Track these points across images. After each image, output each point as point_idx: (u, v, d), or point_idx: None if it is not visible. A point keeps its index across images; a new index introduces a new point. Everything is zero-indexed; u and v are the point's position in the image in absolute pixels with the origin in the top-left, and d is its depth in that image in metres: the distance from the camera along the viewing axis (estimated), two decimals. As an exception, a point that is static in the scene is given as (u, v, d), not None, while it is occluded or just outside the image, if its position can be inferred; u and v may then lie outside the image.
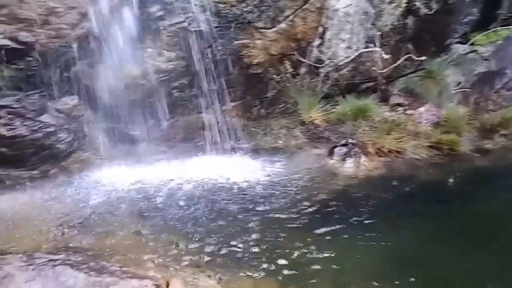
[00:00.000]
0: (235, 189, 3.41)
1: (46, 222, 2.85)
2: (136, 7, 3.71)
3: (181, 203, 3.18)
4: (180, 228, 2.79)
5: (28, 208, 3.05)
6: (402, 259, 2.49)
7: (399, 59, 4.72)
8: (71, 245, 2.51)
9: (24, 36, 3.35)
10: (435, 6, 4.78)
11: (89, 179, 3.52)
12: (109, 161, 3.76)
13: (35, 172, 3.50)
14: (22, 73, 3.41)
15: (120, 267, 2.14)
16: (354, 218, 2.93)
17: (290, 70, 4.42)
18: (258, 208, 3.09)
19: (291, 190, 3.37)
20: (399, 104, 4.79)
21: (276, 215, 2.97)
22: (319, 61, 4.50)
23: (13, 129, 3.32)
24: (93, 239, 2.62)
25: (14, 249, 2.24)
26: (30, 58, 3.42)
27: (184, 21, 3.91)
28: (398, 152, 4.05)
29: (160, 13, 3.85)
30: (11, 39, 3.32)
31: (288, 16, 4.26)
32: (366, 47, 4.62)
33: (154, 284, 2.01)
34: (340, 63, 4.53)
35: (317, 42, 4.47)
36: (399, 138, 4.14)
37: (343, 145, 4.01)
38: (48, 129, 3.47)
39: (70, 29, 3.52)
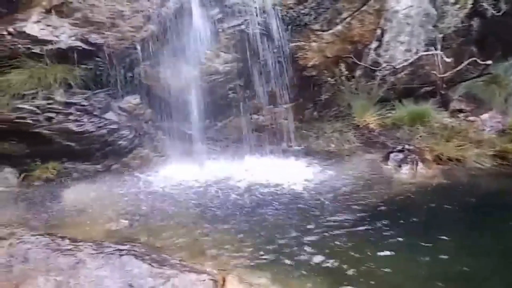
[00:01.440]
0: (287, 192, 3.40)
1: (109, 214, 3.01)
2: (196, 10, 3.84)
3: (235, 202, 3.24)
4: (235, 226, 2.84)
5: (93, 200, 3.23)
6: (459, 274, 2.36)
7: (462, 62, 4.51)
8: (134, 236, 2.64)
9: (94, 38, 3.58)
10: (504, 7, 4.52)
11: (148, 175, 3.68)
12: (166, 158, 3.91)
13: (99, 166, 3.72)
14: (91, 72, 3.63)
15: (180, 260, 2.21)
16: (410, 228, 2.82)
17: (345, 72, 4.36)
18: (310, 212, 3.06)
19: (344, 195, 3.31)
20: (460, 110, 4.58)
21: (330, 220, 2.92)
22: (376, 64, 4.41)
23: (81, 125, 3.55)
24: (153, 232, 2.73)
25: (83, 237, 2.38)
26: (99, 59, 3.64)
27: (242, 24, 3.99)
28: (458, 160, 3.87)
29: (220, 15, 3.96)
30: (82, 41, 3.56)
31: (345, 18, 4.21)
32: (426, 50, 4.46)
33: (211, 279, 2.06)
34: (397, 66, 4.41)
35: (374, 44, 4.39)
36: (460, 146, 3.96)
37: (399, 151, 3.89)
38: (112, 126, 3.68)
39: (135, 31, 3.70)
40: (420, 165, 3.78)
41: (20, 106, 3.38)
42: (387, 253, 2.48)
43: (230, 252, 2.49)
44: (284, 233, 2.72)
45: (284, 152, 4.22)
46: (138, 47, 3.73)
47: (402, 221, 2.90)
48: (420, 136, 4.19)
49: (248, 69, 4.12)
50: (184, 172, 3.73)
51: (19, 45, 3.42)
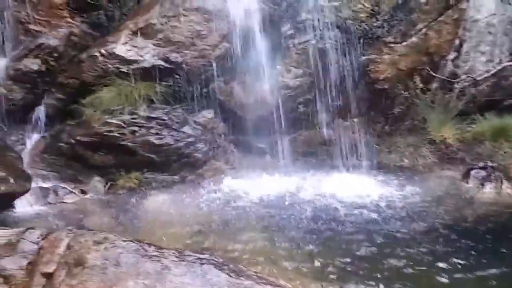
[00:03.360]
0: (357, 207, 3.33)
1: (186, 223, 3.17)
2: (269, 28, 3.96)
3: (305, 216, 3.23)
4: (307, 240, 2.84)
5: (171, 209, 3.43)
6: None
7: (552, 72, 4.14)
8: (209, 245, 2.76)
9: (174, 56, 3.84)
10: None
11: (221, 186, 3.81)
12: (238, 170, 4.03)
13: (175, 177, 3.93)
14: (170, 89, 3.89)
15: (255, 272, 2.26)
16: (494, 253, 2.60)
17: (420, 85, 4.20)
18: (382, 231, 2.93)
19: (420, 214, 3.16)
20: (550, 124, 4.18)
21: (404, 240, 2.78)
22: (454, 75, 4.19)
23: (161, 138, 3.80)
24: (227, 242, 2.83)
25: (164, 244, 2.53)
26: (177, 76, 3.89)
27: (312, 39, 4.04)
28: (549, 179, 3.54)
29: (291, 32, 4.05)
30: (163, 59, 3.83)
31: (420, 30, 4.08)
32: (511, 60, 4.16)
33: (287, 293, 2.08)
34: (478, 78, 4.15)
35: (452, 55, 4.18)
36: (552, 163, 3.63)
37: (481, 168, 3.64)
38: (188, 139, 3.88)
39: (211, 49, 3.91)
40: (506, 183, 3.51)
41: (108, 120, 3.71)
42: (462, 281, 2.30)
43: (301, 265, 2.50)
44: (356, 251, 2.66)
45: (354, 167, 4.15)
46: (214, 64, 3.94)
47: (493, 247, 2.64)
48: (505, 152, 3.89)
49: (318, 83, 4.14)
50: (255, 185, 3.80)
51: (109, 65, 3.78)
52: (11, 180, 2.92)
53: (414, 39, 4.11)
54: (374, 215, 3.16)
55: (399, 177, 3.88)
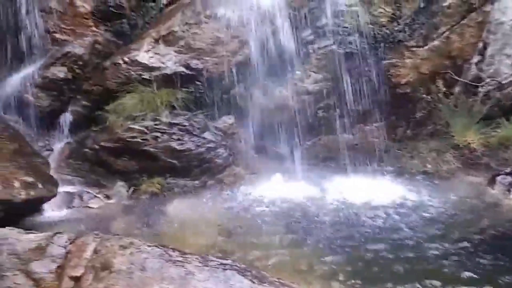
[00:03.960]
0: (380, 214, 3.30)
1: (207, 228, 3.20)
2: (288, 33, 3.97)
3: (326, 223, 3.21)
4: (329, 247, 2.82)
5: (192, 214, 3.47)
6: None
7: None
8: (230, 251, 2.78)
9: (195, 63, 3.90)
10: None
11: (241, 191, 3.84)
12: (258, 176, 4.04)
13: (196, 182, 3.96)
14: (191, 95, 3.94)
15: (278, 278, 2.27)
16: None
17: (443, 89, 4.14)
18: (409, 240, 2.87)
19: (443, 222, 3.09)
20: None
21: (428, 250, 2.70)
22: (478, 79, 4.11)
23: (183, 144, 3.85)
24: (248, 247, 2.85)
25: (187, 249, 2.56)
26: (198, 82, 3.94)
27: (333, 44, 4.03)
28: None
29: (311, 37, 4.04)
30: (185, 66, 3.89)
31: (443, 33, 4.03)
32: (538, 63, 4.06)
33: (309, 300, 2.08)
34: (503, 81, 4.06)
35: (475, 59, 4.11)
36: None
37: (508, 173, 3.56)
38: (209, 145, 3.92)
39: (231, 56, 3.95)
40: (534, 189, 3.42)
41: (131, 126, 3.78)
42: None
43: (323, 274, 2.49)
44: (379, 261, 2.64)
45: (376, 172, 4.11)
46: (234, 71, 3.97)
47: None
48: (532, 158, 3.80)
49: (338, 88, 4.11)
50: (275, 190, 3.81)
51: (132, 72, 3.86)
52: (40, 185, 3.02)
53: (436, 42, 4.05)
54: (398, 223, 3.12)
55: (422, 183, 3.82)
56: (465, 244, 2.77)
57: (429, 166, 4.10)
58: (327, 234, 3.01)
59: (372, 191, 3.69)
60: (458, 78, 4.11)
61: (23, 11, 4.01)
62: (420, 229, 3.00)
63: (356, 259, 2.65)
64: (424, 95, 4.20)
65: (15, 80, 4.04)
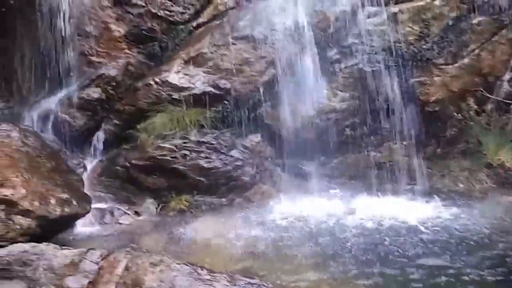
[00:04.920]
0: (411, 236, 3.18)
1: (234, 246, 3.20)
2: (315, 53, 4.02)
3: (355, 243, 3.14)
4: (356, 271, 2.76)
5: (219, 231, 3.48)
6: None
7: None
8: (257, 271, 2.77)
9: (223, 83, 3.99)
10: None
11: (268, 209, 3.84)
12: (285, 194, 4.04)
13: (223, 200, 4.01)
14: (219, 114, 4.03)
15: (306, 300, 2.25)
16: None
17: (474, 107, 4.06)
18: (443, 266, 2.74)
19: (483, 244, 2.97)
20: None
21: (466, 276, 2.57)
22: (511, 96, 4.01)
23: (211, 162, 3.91)
24: (275, 267, 2.83)
25: (214, 267, 2.58)
26: (226, 102, 4.02)
27: (359, 62, 4.04)
28: None
29: (337, 56, 4.07)
30: (213, 86, 3.99)
31: (473, 50, 3.97)
32: None
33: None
34: (538, 99, 3.95)
35: (508, 76, 4.02)
36: None
37: (546, 194, 3.43)
38: (236, 163, 3.97)
39: (258, 75, 4.02)
40: None
41: (161, 145, 3.88)
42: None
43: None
44: (410, 280, 2.57)
45: (405, 191, 4.03)
46: (261, 90, 4.04)
47: None
48: None
49: (366, 106, 4.10)
50: (302, 208, 3.79)
51: (163, 92, 3.99)
52: (74, 202, 3.13)
53: (466, 60, 3.99)
54: (431, 245, 3.01)
55: (454, 203, 3.72)
56: (504, 269, 2.65)
57: (461, 185, 4.00)
58: (356, 255, 2.95)
59: (403, 211, 3.61)
60: (490, 96, 4.03)
61: (62, 35, 4.24)
62: (457, 254, 2.88)
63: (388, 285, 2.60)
64: (454, 113, 4.13)
65: (52, 101, 4.25)
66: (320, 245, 3.14)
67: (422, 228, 3.27)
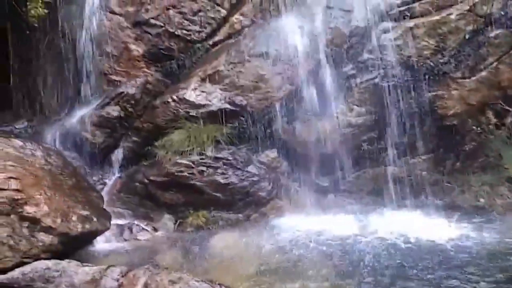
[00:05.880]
0: (430, 253, 3.11)
1: (251, 262, 3.19)
2: (330, 69, 4.04)
3: (372, 261, 3.09)
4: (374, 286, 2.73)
5: (236, 248, 3.49)
6: None
7: None
8: (276, 286, 2.76)
9: (239, 100, 4.04)
10: None
11: (285, 225, 3.83)
12: (301, 209, 4.03)
13: (240, 215, 4.02)
14: (235, 130, 4.06)
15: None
16: None
17: (494, 120, 4.01)
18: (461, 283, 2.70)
19: (504, 263, 2.90)
20: None
21: None
22: (532, 109, 3.95)
23: (227, 177, 3.94)
24: (293, 283, 2.81)
25: (233, 284, 2.58)
26: (242, 118, 4.06)
27: (375, 77, 4.04)
28: None
29: (353, 71, 4.08)
30: (230, 103, 4.04)
31: (491, 64, 3.93)
32: None
33: None
34: (560, 111, 3.87)
35: (528, 88, 3.96)
36: None
37: None
38: (253, 179, 3.99)
39: (274, 92, 4.05)
40: None
41: (179, 161, 3.93)
42: None
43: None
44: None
45: (424, 206, 3.97)
46: (277, 106, 4.07)
47: None
48: None
49: (383, 121, 4.08)
50: (319, 224, 3.77)
51: (180, 110, 4.05)
52: (94, 219, 3.18)
53: (484, 73, 3.95)
54: (452, 264, 2.94)
55: (475, 218, 3.66)
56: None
57: (482, 200, 3.92)
58: (375, 272, 2.91)
59: (421, 227, 3.56)
60: (510, 109, 3.96)
61: (84, 55, 4.38)
62: (476, 271, 2.81)
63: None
64: (473, 127, 4.08)
65: (73, 119, 4.37)
66: (338, 262, 3.10)
67: (444, 245, 3.20)
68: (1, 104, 4.71)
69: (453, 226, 3.57)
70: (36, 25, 4.27)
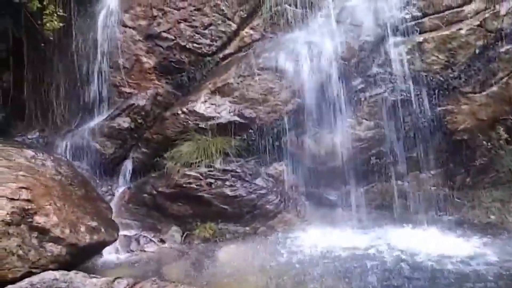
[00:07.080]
0: (440, 271, 3.06)
1: (258, 276, 3.18)
2: (339, 83, 4.05)
3: (380, 277, 3.06)
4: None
5: (243, 261, 3.47)
6: None
7: None
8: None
9: (248, 112, 4.06)
10: None
11: (292, 239, 3.80)
12: (309, 223, 4.00)
13: (247, 228, 4.01)
14: (244, 143, 4.08)
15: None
16: None
17: (504, 135, 3.97)
18: None
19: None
20: None
21: None
22: (543, 125, 3.91)
23: (235, 190, 3.94)
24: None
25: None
26: (251, 130, 4.08)
27: (384, 92, 4.04)
28: None
29: (362, 85, 4.09)
30: (239, 115, 4.06)
31: (501, 79, 3.91)
32: None
33: None
34: None
35: (539, 104, 3.92)
36: None
37: None
38: (260, 191, 3.98)
39: (283, 105, 4.07)
40: None
41: (187, 173, 3.95)
42: None
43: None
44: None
45: (434, 222, 3.92)
46: (285, 119, 4.08)
47: None
48: None
49: (392, 135, 4.07)
50: (326, 239, 3.74)
51: (190, 122, 4.09)
52: (102, 230, 3.20)
53: (494, 88, 3.93)
54: (463, 282, 2.89)
55: (486, 235, 3.60)
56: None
57: (492, 217, 3.86)
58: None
59: (430, 243, 3.51)
60: (521, 124, 3.93)
61: (96, 67, 4.45)
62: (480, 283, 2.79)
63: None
64: (484, 142, 4.05)
65: (84, 130, 4.42)
66: (344, 278, 3.06)
67: (454, 263, 3.15)
68: (14, 114, 4.79)
69: (464, 243, 3.51)
70: (50, 37, 4.36)
